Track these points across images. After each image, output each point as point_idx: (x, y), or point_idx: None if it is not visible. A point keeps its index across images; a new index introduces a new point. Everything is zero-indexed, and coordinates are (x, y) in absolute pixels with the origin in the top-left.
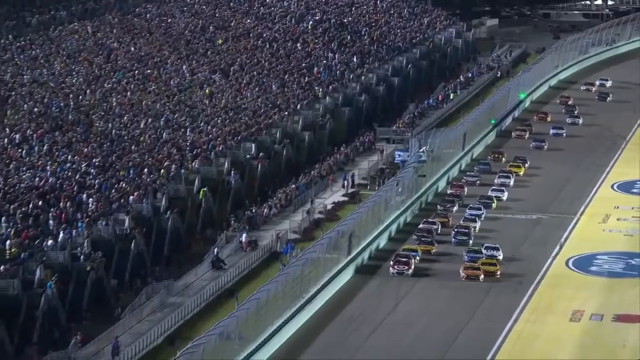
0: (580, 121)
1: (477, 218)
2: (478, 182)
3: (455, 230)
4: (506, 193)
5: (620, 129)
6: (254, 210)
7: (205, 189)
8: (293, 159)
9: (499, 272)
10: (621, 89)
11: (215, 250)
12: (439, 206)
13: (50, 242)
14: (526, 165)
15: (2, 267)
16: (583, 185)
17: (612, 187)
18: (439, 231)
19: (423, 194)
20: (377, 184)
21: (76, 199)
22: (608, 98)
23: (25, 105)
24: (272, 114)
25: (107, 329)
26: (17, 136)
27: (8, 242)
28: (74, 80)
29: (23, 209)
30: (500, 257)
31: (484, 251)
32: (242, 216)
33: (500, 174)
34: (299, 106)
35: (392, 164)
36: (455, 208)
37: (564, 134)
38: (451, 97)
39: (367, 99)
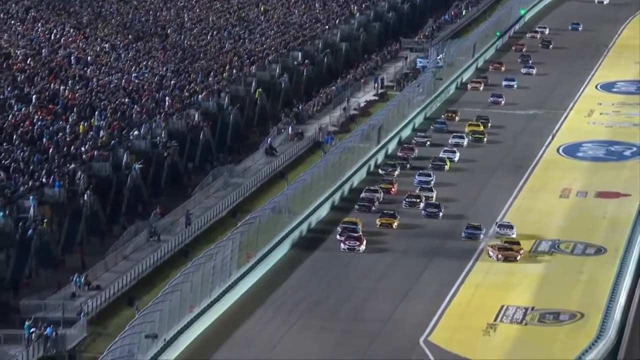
0: (534, 71)
1: (432, 188)
2: (428, 143)
3: (406, 200)
4: (458, 154)
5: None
6: (300, 107)
7: (260, 89)
8: (332, 65)
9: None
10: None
11: (269, 140)
12: (380, 170)
13: (134, 132)
14: (489, 124)
15: (96, 153)
16: (571, 86)
17: (596, 87)
18: (381, 199)
19: (440, 94)
20: (401, 85)
21: (155, 97)
22: (551, 45)
23: (114, 20)
24: (315, 27)
25: (181, 204)
26: (107, 45)
27: (101, 132)
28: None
29: (112, 105)
30: (514, 236)
31: (497, 230)
32: (290, 112)
33: (455, 135)
34: (337, 21)
35: (414, 69)
36: (397, 172)
37: (515, 86)
38: (463, 13)
39: (394, 15)
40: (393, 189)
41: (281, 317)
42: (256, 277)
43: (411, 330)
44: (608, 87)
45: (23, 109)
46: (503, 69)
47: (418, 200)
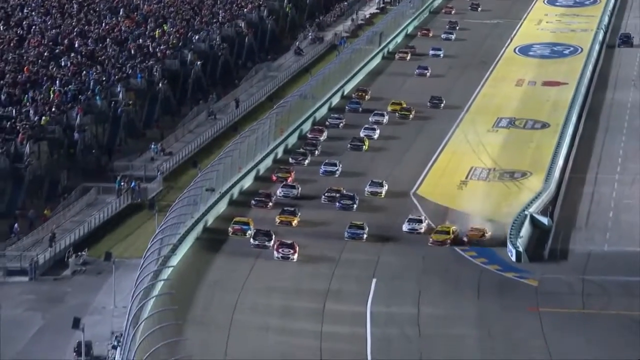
0: (453, 37)
1: (383, 183)
2: (342, 124)
3: (325, 194)
4: (378, 131)
5: None
6: (321, 18)
7: (290, 4)
8: None
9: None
10: None
11: (297, 43)
12: (291, 158)
13: (196, 36)
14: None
15: (168, 52)
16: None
17: (544, 2)
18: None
19: (428, 6)
20: (397, 2)
21: (212, 10)
22: (479, 8)
23: None
24: None
25: (231, 91)
26: None
27: (171, 36)
28: None
29: (180, 15)
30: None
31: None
32: (313, 22)
33: (376, 113)
34: None
35: None
36: (308, 160)
37: (442, 55)
38: None
39: None
40: (290, 178)
41: None
42: (288, 144)
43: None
44: (553, 1)
45: (113, 19)
46: (431, 34)
47: (338, 195)
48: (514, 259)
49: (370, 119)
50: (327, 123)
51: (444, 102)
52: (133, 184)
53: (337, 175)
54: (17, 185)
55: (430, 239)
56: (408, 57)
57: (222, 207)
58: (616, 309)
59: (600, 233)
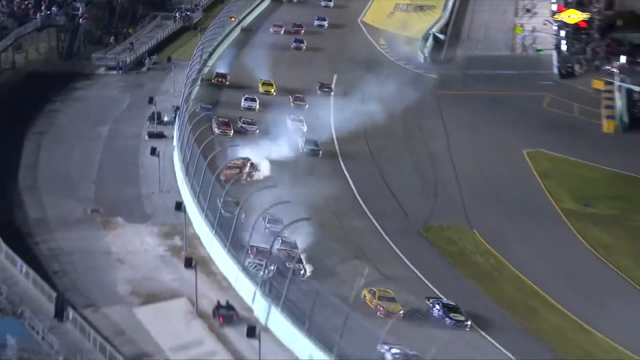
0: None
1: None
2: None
3: None
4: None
5: None
6: None
7: None
8: None
9: None
10: None
11: None
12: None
13: None
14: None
15: None
16: None
17: None
18: None
19: None
20: None
21: None
22: None
23: None
24: None
25: None
26: None
27: None
28: None
29: None
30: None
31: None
32: None
33: (246, 98)
34: None
35: None
36: None
37: (326, 25)
38: None
39: None
40: None
41: None
42: None
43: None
44: None
45: None
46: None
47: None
48: (422, 61)
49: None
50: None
51: None
52: (184, 13)
53: None
54: (111, 13)
55: None
56: None
57: (237, 31)
58: (483, 90)
59: (475, 43)
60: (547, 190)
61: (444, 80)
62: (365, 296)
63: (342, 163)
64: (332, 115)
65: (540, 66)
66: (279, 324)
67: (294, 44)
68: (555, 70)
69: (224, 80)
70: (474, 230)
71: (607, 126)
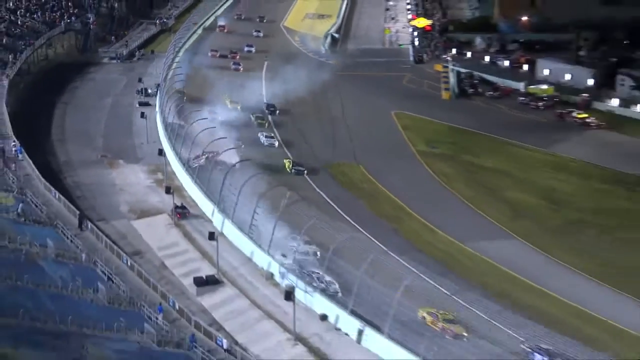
0: (261, 34)
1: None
2: None
3: None
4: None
5: None
6: None
7: None
8: None
9: None
10: None
11: None
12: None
13: None
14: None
15: None
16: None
17: None
18: None
19: None
20: None
21: None
22: None
23: None
24: None
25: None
26: None
27: None
28: None
29: None
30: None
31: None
32: None
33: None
34: None
35: None
36: None
37: (254, 50)
38: None
39: None
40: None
41: None
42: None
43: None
44: None
45: None
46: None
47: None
48: (324, 52)
49: None
50: None
51: None
52: (162, 20)
53: None
54: (112, 21)
55: None
56: None
57: (199, 31)
58: (365, 72)
59: (360, 40)
60: (408, 138)
61: (340, 66)
62: (425, 318)
63: (271, 121)
64: (264, 89)
65: (401, 55)
66: (230, 231)
67: (233, 66)
68: (411, 58)
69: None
70: (360, 166)
71: (445, 95)
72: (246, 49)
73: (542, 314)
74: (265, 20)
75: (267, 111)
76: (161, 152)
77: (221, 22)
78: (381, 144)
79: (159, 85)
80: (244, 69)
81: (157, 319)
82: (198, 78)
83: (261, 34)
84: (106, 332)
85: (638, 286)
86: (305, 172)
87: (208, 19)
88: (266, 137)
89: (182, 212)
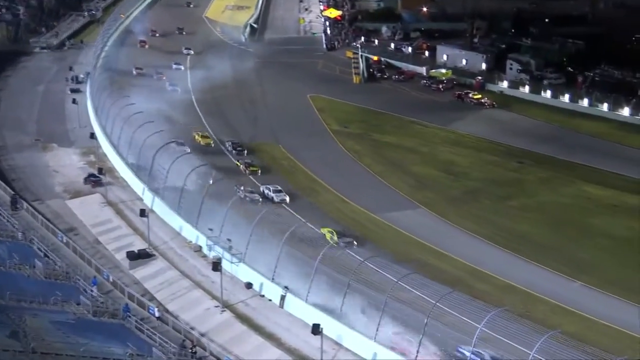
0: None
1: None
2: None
3: None
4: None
5: None
6: None
7: None
8: None
9: None
10: None
11: None
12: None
13: None
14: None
15: None
16: None
17: None
18: None
19: None
20: None
21: None
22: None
23: None
24: None
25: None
26: None
27: None
28: None
29: None
30: None
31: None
32: None
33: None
34: None
35: None
36: None
37: (182, 68)
38: None
39: None
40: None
41: None
42: None
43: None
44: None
45: None
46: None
47: None
48: (244, 41)
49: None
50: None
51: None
52: (91, 12)
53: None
54: (43, 12)
55: None
56: None
57: (127, 22)
58: (282, 59)
59: (277, 29)
60: (322, 118)
61: (258, 53)
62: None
63: (196, 106)
64: (189, 78)
65: (315, 43)
66: (160, 207)
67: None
68: (324, 46)
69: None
70: (279, 145)
71: (355, 79)
72: (174, 66)
73: (442, 272)
74: (191, 5)
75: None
76: (93, 136)
77: (141, 38)
78: (298, 124)
79: (89, 73)
80: (169, 59)
81: (92, 291)
82: (126, 64)
83: (182, 67)
84: (43, 305)
85: (527, 247)
86: (246, 151)
87: (136, 9)
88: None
89: (95, 181)
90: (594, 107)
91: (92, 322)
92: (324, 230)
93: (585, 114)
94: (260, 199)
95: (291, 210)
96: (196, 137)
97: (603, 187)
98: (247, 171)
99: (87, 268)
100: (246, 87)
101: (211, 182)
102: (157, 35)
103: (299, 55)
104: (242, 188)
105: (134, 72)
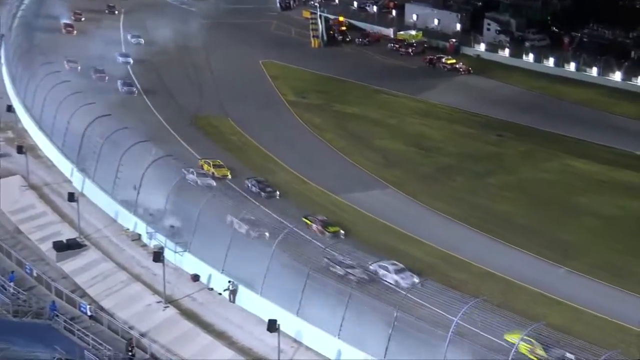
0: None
1: None
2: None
3: None
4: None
5: None
6: None
7: None
8: None
9: None
10: None
11: None
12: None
13: None
14: None
15: None
16: None
17: None
18: None
19: None
20: None
21: None
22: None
23: None
24: None
25: None
26: None
27: None
28: None
29: None
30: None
31: None
32: None
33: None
34: None
35: None
36: None
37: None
38: None
39: None
40: None
41: None
42: None
43: None
44: None
45: None
46: (83, 19)
47: None
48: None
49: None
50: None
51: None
52: None
53: None
54: None
55: None
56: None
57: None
58: (231, 19)
59: None
60: (277, 88)
61: (204, 14)
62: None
63: (132, 74)
64: (122, 43)
65: (268, 2)
66: (91, 191)
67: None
68: (278, 5)
69: None
70: (228, 118)
71: (314, 43)
72: (121, 59)
73: (413, 259)
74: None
75: (122, 60)
76: (10, 109)
77: (66, 21)
78: (250, 94)
79: (3, 35)
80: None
81: (10, 287)
82: (48, 28)
83: (130, 60)
84: None
85: (507, 230)
86: (278, 193)
87: None
88: (124, 83)
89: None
90: (582, 71)
91: (13, 323)
92: (513, 337)
93: (571, 79)
94: (214, 184)
95: (244, 193)
96: (205, 167)
97: (590, 162)
98: (325, 233)
99: (6, 261)
100: (190, 53)
101: (151, 158)
102: (83, 19)
103: (249, 15)
104: (191, 171)
105: (67, 67)
